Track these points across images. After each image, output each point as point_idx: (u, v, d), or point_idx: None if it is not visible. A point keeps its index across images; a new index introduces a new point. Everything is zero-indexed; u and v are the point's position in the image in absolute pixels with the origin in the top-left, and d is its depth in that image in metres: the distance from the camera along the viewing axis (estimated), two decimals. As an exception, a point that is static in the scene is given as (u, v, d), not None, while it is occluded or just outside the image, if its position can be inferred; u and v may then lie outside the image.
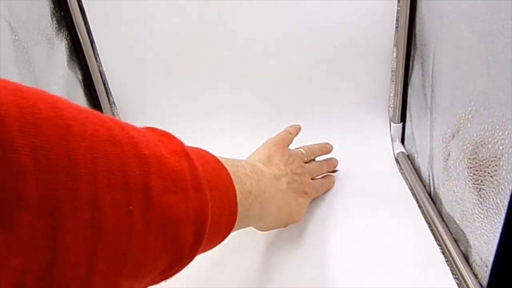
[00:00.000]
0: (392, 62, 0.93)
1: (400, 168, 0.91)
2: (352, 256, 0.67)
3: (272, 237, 0.73)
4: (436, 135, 0.71)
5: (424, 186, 0.81)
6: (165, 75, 1.01)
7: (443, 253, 0.65)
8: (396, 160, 0.94)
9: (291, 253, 0.69)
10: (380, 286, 0.60)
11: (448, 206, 0.68)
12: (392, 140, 0.98)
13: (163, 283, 0.40)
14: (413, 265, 0.64)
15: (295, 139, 0.81)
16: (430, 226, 0.71)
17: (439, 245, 0.67)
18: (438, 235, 0.68)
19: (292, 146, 0.80)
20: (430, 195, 0.77)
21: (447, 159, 0.67)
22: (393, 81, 0.95)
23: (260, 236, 0.72)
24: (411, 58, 0.88)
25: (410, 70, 0.89)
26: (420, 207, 0.77)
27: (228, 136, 1.04)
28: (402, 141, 0.99)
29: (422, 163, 0.83)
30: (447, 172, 0.67)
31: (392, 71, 0.93)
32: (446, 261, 0.63)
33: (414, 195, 0.80)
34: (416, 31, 0.83)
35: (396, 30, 0.88)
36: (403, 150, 0.95)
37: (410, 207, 0.78)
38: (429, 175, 0.78)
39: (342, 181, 0.88)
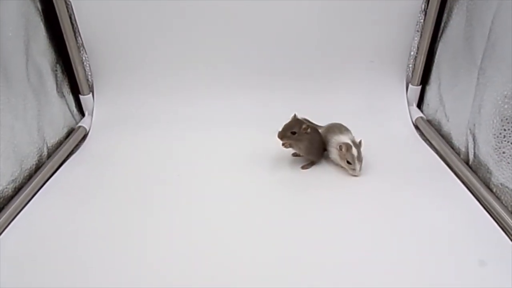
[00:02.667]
0: (419, 15, 0.82)
1: (422, 135, 0.83)
2: (401, 235, 0.58)
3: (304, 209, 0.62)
4: (490, 95, 0.62)
5: (458, 154, 0.73)
6: (147, 19, 0.81)
7: (502, 227, 0.58)
8: (415, 126, 0.86)
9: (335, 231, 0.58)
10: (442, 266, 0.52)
11: (502, 175, 0.61)
12: (409, 104, 0.90)
13: None
14: (469, 240, 0.56)
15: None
16: (475, 197, 0.64)
17: (493, 217, 0.60)
18: (489, 207, 0.61)
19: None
20: (467, 163, 0.70)
21: (507, 122, 0.59)
22: (416, 37, 0.85)
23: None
24: (446, 10, 0.78)
25: (443, 24, 0.80)
26: (458, 176, 0.69)
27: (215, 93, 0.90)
28: (418, 106, 0.91)
29: (455, 129, 0.75)
30: (506, 138, 0.59)
31: (417, 25, 0.83)
32: (507, 235, 0.56)
33: (447, 164, 0.73)
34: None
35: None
36: (421, 115, 0.87)
37: (446, 176, 0.70)
38: (466, 142, 0.70)
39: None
